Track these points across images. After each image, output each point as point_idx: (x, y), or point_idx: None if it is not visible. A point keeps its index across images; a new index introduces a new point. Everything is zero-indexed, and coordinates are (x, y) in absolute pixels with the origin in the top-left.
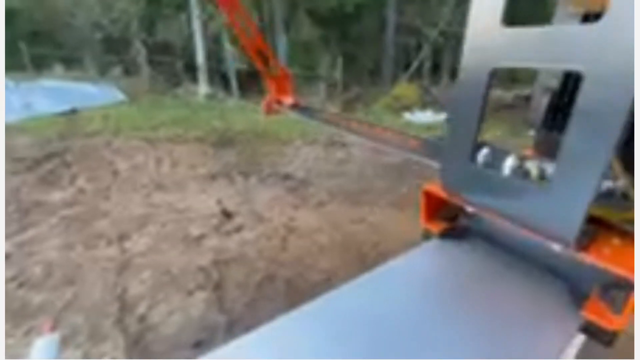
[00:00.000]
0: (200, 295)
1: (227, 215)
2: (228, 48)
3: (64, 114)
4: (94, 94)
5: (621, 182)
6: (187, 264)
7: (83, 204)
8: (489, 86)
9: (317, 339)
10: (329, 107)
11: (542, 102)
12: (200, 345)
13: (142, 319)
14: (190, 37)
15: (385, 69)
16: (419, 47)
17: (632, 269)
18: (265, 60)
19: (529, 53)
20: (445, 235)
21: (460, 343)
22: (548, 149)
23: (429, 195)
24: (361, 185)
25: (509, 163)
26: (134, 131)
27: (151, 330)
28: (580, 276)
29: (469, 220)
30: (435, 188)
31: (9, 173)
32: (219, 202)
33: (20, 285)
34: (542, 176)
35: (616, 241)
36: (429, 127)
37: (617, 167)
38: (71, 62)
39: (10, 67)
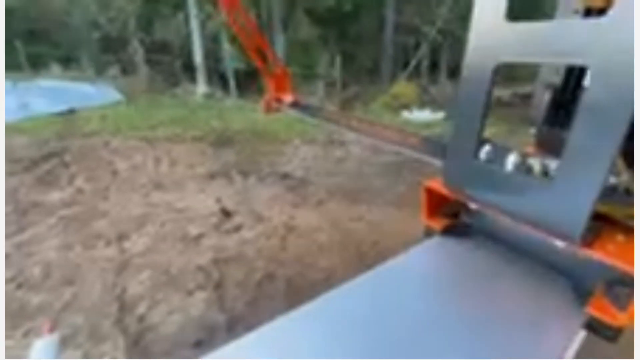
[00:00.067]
0: (200, 295)
1: (226, 214)
2: (226, 47)
3: (61, 114)
4: (91, 93)
5: (624, 178)
6: (187, 263)
7: (81, 204)
8: (492, 82)
9: (317, 338)
10: (328, 106)
11: (543, 98)
12: (201, 345)
13: (141, 318)
14: (188, 37)
15: (384, 67)
16: (417, 46)
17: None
18: (264, 59)
19: (534, 48)
20: (447, 232)
21: (464, 341)
22: (550, 146)
23: (430, 192)
24: (360, 184)
25: (512, 159)
26: (132, 131)
27: (151, 330)
28: (584, 273)
29: (471, 217)
30: (437, 185)
31: (7, 174)
32: (218, 201)
33: (19, 286)
34: (545, 172)
35: (620, 237)
36: (427, 125)
37: (620, 163)
38: (68, 62)
39: (6, 67)
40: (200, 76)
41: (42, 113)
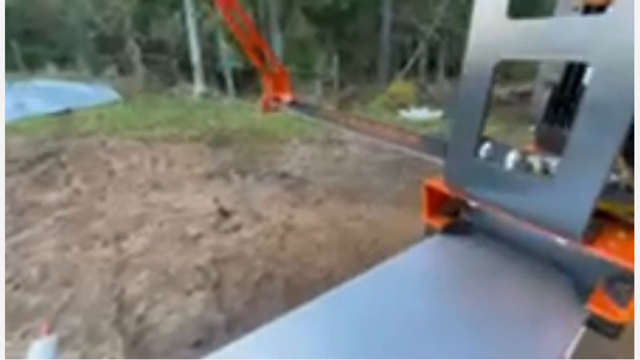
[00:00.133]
0: (199, 295)
1: (224, 214)
2: (223, 46)
3: (57, 114)
4: (88, 93)
5: (624, 175)
6: (185, 263)
7: (79, 204)
8: (493, 79)
9: (318, 339)
10: (326, 105)
11: (543, 96)
12: (200, 345)
13: (140, 319)
14: (184, 36)
15: (381, 66)
16: (414, 45)
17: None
18: (262, 58)
19: (536, 45)
20: (447, 230)
21: (466, 340)
22: (550, 144)
23: (430, 191)
24: (358, 183)
25: (512, 157)
26: (129, 131)
27: (150, 330)
28: (585, 270)
29: (471, 215)
30: (437, 183)
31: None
32: (216, 201)
33: (16, 287)
34: (545, 170)
35: (622, 234)
36: (425, 124)
37: (620, 161)
38: (64, 62)
39: None
40: (197, 75)
41: (38, 113)
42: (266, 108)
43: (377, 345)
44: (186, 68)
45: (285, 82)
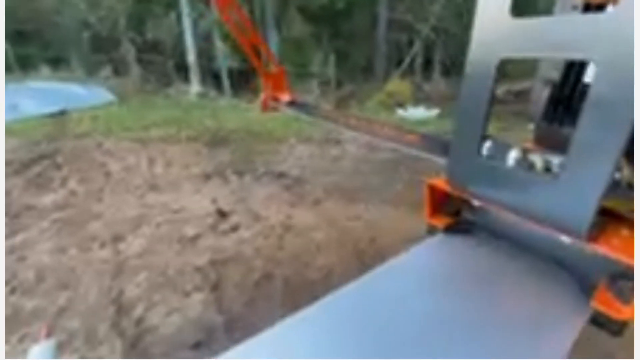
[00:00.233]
0: (198, 296)
1: (222, 214)
2: (219, 46)
3: (52, 115)
4: (82, 94)
5: (626, 173)
6: (184, 264)
7: (75, 206)
8: (496, 78)
9: (321, 342)
10: (323, 105)
11: (542, 94)
12: (200, 346)
13: (139, 321)
14: (180, 35)
15: (378, 65)
16: (410, 44)
17: None
18: (260, 57)
19: (540, 44)
20: (449, 229)
21: (471, 340)
22: (549, 142)
23: (433, 190)
24: (356, 182)
25: (513, 155)
26: (125, 132)
27: (149, 332)
28: (588, 267)
29: (474, 214)
30: (439, 182)
31: None
32: (213, 201)
33: (13, 290)
34: (547, 168)
35: (625, 232)
36: (422, 122)
37: (621, 158)
38: (58, 63)
39: None
40: (194, 75)
41: (32, 114)
42: (265, 108)
43: (380, 346)
44: (182, 68)
45: (284, 81)
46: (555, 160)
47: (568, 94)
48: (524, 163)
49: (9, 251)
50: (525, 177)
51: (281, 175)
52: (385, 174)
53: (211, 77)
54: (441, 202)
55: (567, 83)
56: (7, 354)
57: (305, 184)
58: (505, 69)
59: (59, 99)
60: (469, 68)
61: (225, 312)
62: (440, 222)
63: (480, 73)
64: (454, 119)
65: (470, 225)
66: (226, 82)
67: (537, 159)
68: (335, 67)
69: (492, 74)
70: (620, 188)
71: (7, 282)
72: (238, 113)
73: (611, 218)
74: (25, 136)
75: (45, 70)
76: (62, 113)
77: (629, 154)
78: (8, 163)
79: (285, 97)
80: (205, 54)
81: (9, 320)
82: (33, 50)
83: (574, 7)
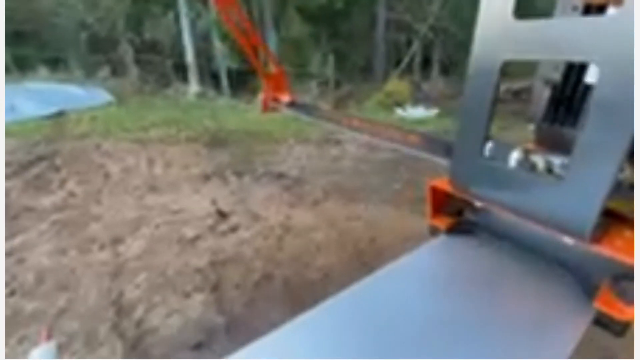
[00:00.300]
0: (198, 297)
1: (222, 215)
2: (218, 46)
3: (50, 116)
4: (80, 95)
5: (627, 173)
6: (183, 265)
7: (74, 208)
8: (499, 80)
9: (324, 345)
10: (322, 105)
11: (543, 95)
12: (200, 347)
13: (139, 322)
14: (178, 36)
15: (377, 65)
16: (409, 43)
17: None
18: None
19: (544, 46)
20: (452, 230)
21: (475, 340)
22: (550, 142)
23: (435, 191)
24: (356, 182)
25: (515, 156)
26: (124, 133)
27: (149, 333)
28: (591, 268)
29: (476, 215)
30: (441, 183)
31: None
32: (213, 202)
33: (12, 292)
34: (549, 169)
35: (627, 233)
36: (421, 122)
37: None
38: (56, 63)
39: None
40: (192, 76)
41: (31, 116)
42: (265, 108)
43: (383, 348)
44: (181, 68)
45: (284, 82)
46: (557, 161)
47: (569, 94)
48: (526, 164)
49: (8, 253)
50: (529, 179)
51: (280, 175)
52: (385, 173)
53: (210, 77)
54: (443, 203)
55: (568, 83)
56: (7, 356)
57: (304, 185)
58: (504, 68)
59: (57, 100)
60: (472, 70)
61: (226, 312)
62: (442, 223)
63: (483, 75)
64: (456, 120)
65: (472, 226)
66: (225, 82)
67: (538, 160)
68: (334, 67)
69: (495, 75)
70: (623, 189)
71: (6, 284)
72: (237, 113)
73: (613, 219)
74: (24, 137)
75: (43, 71)
76: (60, 114)
77: (630, 154)
78: (6, 164)
79: (286, 98)
80: (204, 54)
81: (8, 322)
82: (31, 51)
83: (575, 8)
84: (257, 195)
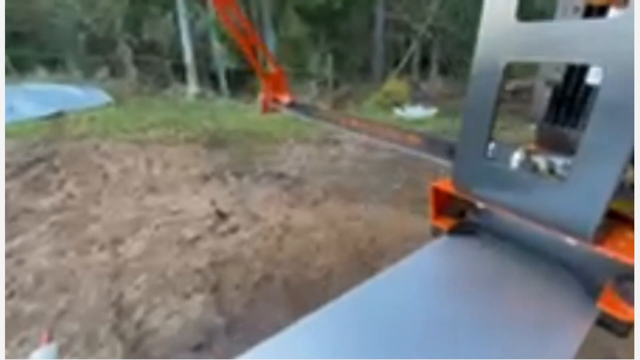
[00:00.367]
0: (198, 298)
1: (221, 216)
2: (216, 46)
3: (49, 117)
4: (79, 96)
5: (629, 174)
6: (183, 266)
7: (73, 209)
8: (503, 81)
9: (327, 348)
10: (321, 105)
11: (544, 95)
12: (201, 348)
13: (139, 324)
14: (177, 36)
15: (375, 65)
16: (407, 43)
17: None
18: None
19: (547, 48)
20: (454, 231)
21: (478, 341)
22: (552, 143)
23: (437, 193)
24: (355, 182)
25: (517, 157)
26: (122, 133)
27: (149, 334)
28: (594, 268)
29: (478, 216)
30: (444, 185)
31: None
32: (212, 203)
33: (11, 294)
34: (551, 170)
35: (630, 234)
36: (420, 122)
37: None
38: (54, 64)
39: None
40: (191, 76)
41: (29, 117)
42: (265, 109)
43: (387, 350)
44: (179, 69)
45: (283, 82)
46: (559, 161)
47: (570, 95)
48: (528, 165)
49: (7, 254)
50: (532, 180)
51: (280, 176)
52: (384, 173)
53: (208, 77)
54: (445, 204)
55: (570, 84)
56: (7, 358)
57: (304, 185)
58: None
59: (56, 101)
60: (475, 72)
61: (226, 313)
62: (444, 223)
63: (487, 76)
64: (455, 119)
65: (474, 227)
66: (224, 83)
67: (540, 161)
68: (333, 67)
69: (499, 77)
70: (624, 189)
71: (5, 286)
72: (236, 114)
73: (615, 220)
74: (22, 138)
75: (41, 71)
76: (59, 115)
77: (631, 155)
78: (5, 166)
79: (285, 99)
80: (203, 55)
81: (8, 323)
82: (29, 52)
83: (576, 10)
84: (257, 196)
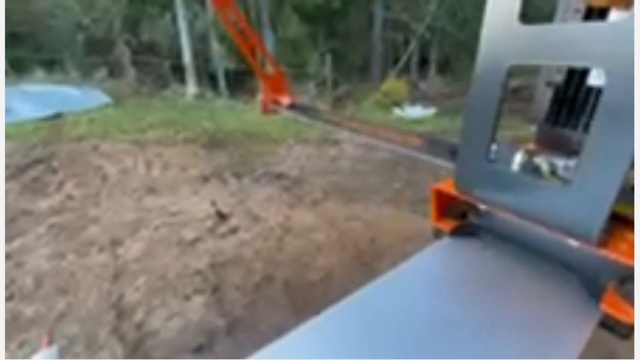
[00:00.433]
0: (199, 299)
1: (221, 216)
2: (215, 47)
3: (47, 118)
4: (77, 97)
5: (629, 175)
6: (183, 268)
7: (72, 210)
8: (505, 84)
9: (330, 351)
10: (319, 105)
11: (545, 96)
12: (201, 349)
13: (139, 325)
14: (176, 37)
15: (374, 65)
16: (406, 43)
17: None
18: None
19: (550, 51)
20: (455, 233)
21: (480, 343)
22: (552, 143)
23: (439, 194)
24: (355, 182)
25: (518, 159)
26: (121, 134)
27: (150, 336)
28: (596, 270)
29: (480, 218)
30: (446, 187)
31: None
32: (212, 203)
33: (11, 296)
34: (552, 171)
35: (630, 236)
36: (419, 121)
37: None
38: (52, 65)
39: None
40: (190, 77)
41: (27, 118)
42: (265, 111)
43: (392, 351)
44: (178, 70)
45: (283, 84)
46: (560, 163)
47: (571, 96)
48: (529, 166)
49: (7, 256)
50: (534, 182)
51: (280, 176)
52: (383, 173)
53: (207, 78)
54: (447, 206)
55: (571, 85)
56: None
57: (303, 185)
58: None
59: (54, 102)
60: (477, 74)
61: (226, 314)
62: (446, 225)
63: (490, 79)
64: (454, 119)
65: (476, 228)
66: (222, 83)
67: (542, 162)
68: (332, 67)
69: (502, 80)
70: (624, 191)
71: (5, 288)
72: (235, 114)
73: (617, 221)
74: (20, 140)
75: (39, 72)
76: (57, 116)
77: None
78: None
79: (285, 100)
80: (202, 55)
81: (7, 326)
82: (27, 53)
83: (576, 11)
84: (257, 196)
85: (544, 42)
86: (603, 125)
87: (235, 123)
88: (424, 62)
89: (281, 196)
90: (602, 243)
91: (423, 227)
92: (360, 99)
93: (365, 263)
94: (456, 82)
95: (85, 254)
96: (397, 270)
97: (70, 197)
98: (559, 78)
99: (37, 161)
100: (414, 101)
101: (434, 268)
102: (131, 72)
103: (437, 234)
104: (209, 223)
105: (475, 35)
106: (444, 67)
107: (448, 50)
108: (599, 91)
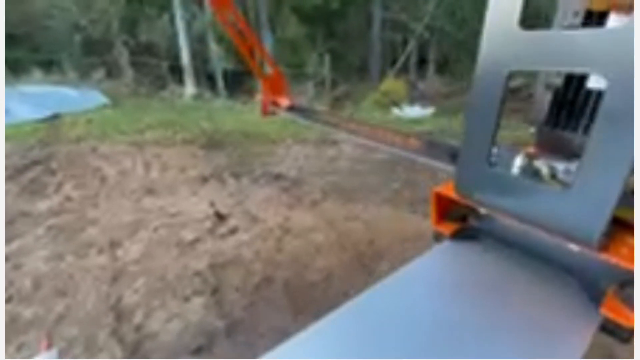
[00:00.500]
0: (198, 301)
1: (220, 217)
2: (213, 48)
3: (45, 119)
4: (75, 98)
5: (630, 179)
6: (183, 269)
7: (70, 212)
8: (506, 89)
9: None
10: (318, 106)
11: (544, 99)
12: (201, 351)
13: (138, 327)
14: (174, 38)
15: (373, 65)
16: (405, 43)
17: None
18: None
19: (551, 57)
20: (456, 236)
21: (481, 347)
22: (552, 146)
23: (439, 198)
24: (354, 183)
25: (518, 163)
26: (120, 135)
27: (149, 338)
28: (597, 274)
29: (480, 221)
30: (446, 190)
31: None
32: (211, 204)
33: (9, 298)
34: (552, 175)
35: (631, 240)
36: (418, 121)
37: None
38: (50, 66)
39: None
40: (188, 77)
41: (25, 119)
42: (265, 112)
43: (394, 355)
44: (176, 70)
45: (282, 84)
46: (561, 166)
47: (571, 99)
48: (529, 170)
49: (5, 258)
50: (535, 186)
51: (278, 176)
52: (382, 173)
53: (206, 78)
54: (447, 209)
55: (570, 88)
56: None
57: (302, 185)
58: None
59: (52, 103)
60: (477, 79)
61: (226, 316)
62: (446, 228)
63: (490, 85)
64: (453, 119)
65: (476, 231)
66: (221, 84)
67: (542, 166)
68: (330, 68)
69: (502, 86)
70: (624, 195)
71: (3, 290)
72: (234, 114)
73: (617, 225)
74: (18, 141)
75: (37, 73)
76: (55, 117)
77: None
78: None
79: (284, 101)
80: (200, 56)
81: (6, 328)
82: (24, 54)
83: (576, 14)
84: (256, 197)
85: (545, 48)
86: (604, 131)
87: (234, 123)
88: (422, 62)
89: (280, 197)
90: (603, 247)
91: (422, 227)
92: (359, 99)
93: (365, 264)
94: (455, 82)
95: (84, 255)
96: (398, 274)
97: (68, 198)
98: (558, 81)
99: (36, 162)
100: (412, 101)
101: (434, 272)
102: (129, 73)
103: (438, 237)
104: (208, 224)
105: (474, 35)
106: (442, 67)
107: (446, 50)
108: (598, 94)
